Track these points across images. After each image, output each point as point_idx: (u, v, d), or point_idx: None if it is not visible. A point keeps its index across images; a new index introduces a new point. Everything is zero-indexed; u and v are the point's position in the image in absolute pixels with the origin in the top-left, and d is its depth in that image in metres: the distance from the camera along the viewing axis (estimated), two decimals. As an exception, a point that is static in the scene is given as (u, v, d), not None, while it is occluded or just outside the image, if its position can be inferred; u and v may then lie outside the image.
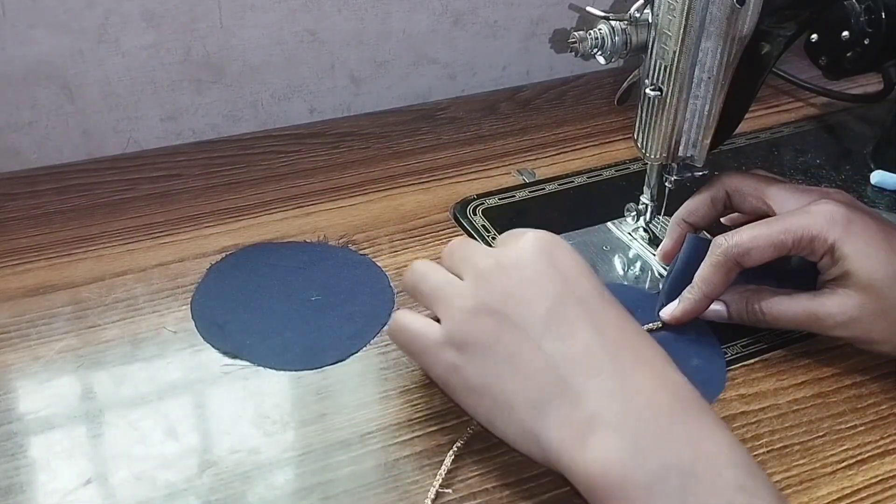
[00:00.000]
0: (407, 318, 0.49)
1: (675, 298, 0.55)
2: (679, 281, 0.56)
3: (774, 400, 0.52)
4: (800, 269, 0.55)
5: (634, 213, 0.64)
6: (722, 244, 0.53)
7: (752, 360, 0.55)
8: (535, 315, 0.45)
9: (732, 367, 0.54)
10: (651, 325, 0.56)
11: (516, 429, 0.44)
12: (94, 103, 0.72)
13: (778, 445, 0.49)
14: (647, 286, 0.61)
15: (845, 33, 0.72)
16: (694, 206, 0.59)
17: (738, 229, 0.53)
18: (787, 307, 0.53)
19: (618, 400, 0.42)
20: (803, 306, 0.53)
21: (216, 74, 0.75)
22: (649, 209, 0.63)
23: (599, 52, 0.56)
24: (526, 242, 0.47)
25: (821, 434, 0.50)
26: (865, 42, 0.71)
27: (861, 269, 0.51)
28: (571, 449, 0.42)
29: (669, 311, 0.56)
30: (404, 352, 0.50)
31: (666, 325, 0.56)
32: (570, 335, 0.44)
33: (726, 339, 0.56)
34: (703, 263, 0.54)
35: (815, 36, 0.74)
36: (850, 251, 0.51)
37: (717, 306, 0.55)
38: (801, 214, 0.53)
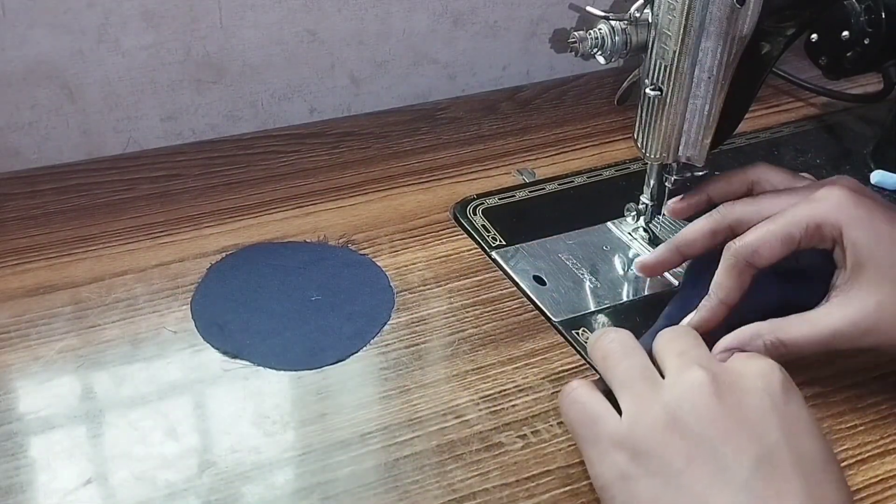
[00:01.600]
0: (587, 395, 0.44)
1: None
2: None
3: (774, 400, 0.52)
4: (810, 271, 0.54)
5: (634, 213, 0.64)
6: (731, 247, 0.52)
7: (752, 360, 0.55)
8: (742, 456, 0.39)
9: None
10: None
11: None
12: (94, 103, 0.72)
13: (778, 445, 0.49)
14: (646, 285, 0.61)
15: (845, 33, 0.72)
16: (692, 238, 0.55)
17: (746, 231, 0.52)
18: (808, 332, 0.49)
19: None
20: (823, 325, 0.49)
21: (216, 74, 0.75)
22: (649, 209, 0.63)
23: (599, 52, 0.56)
24: (757, 368, 0.42)
25: (821, 434, 0.50)
26: (865, 42, 0.71)
27: (872, 257, 0.48)
28: None
29: (687, 322, 0.54)
30: (570, 429, 0.45)
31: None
32: (778, 499, 0.38)
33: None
34: (717, 270, 0.52)
35: (815, 36, 0.74)
36: (858, 237, 0.49)
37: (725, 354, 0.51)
38: (805, 203, 0.51)
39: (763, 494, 0.38)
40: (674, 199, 0.59)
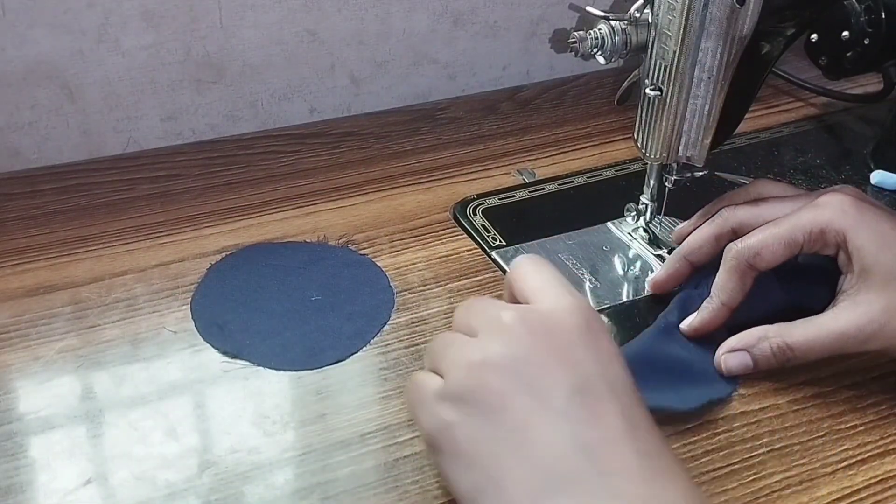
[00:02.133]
0: (418, 374, 0.43)
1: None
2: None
3: (774, 400, 0.52)
4: (812, 273, 0.54)
5: (634, 213, 0.64)
6: (733, 249, 0.52)
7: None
8: (559, 386, 0.39)
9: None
10: None
11: None
12: (94, 103, 0.72)
13: (778, 445, 0.49)
14: (646, 285, 0.61)
15: (845, 33, 0.72)
16: (697, 245, 0.56)
17: (749, 233, 0.52)
18: (815, 336, 0.50)
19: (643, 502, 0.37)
20: (829, 329, 0.50)
21: (216, 74, 0.75)
22: (649, 209, 0.63)
23: (599, 52, 0.56)
24: (562, 304, 0.41)
25: (821, 434, 0.50)
26: (865, 42, 0.71)
27: (878, 262, 0.49)
28: None
29: (688, 323, 0.54)
30: (408, 406, 0.45)
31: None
32: (598, 420, 0.38)
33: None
34: (718, 271, 0.53)
35: (815, 36, 0.74)
36: (863, 242, 0.49)
37: (740, 357, 0.52)
38: (809, 209, 0.51)
39: (582, 417, 0.38)
40: (652, 278, 0.59)
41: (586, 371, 0.39)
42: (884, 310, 0.49)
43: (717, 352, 0.53)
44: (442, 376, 0.41)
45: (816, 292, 0.53)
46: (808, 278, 0.54)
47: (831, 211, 0.50)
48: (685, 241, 0.57)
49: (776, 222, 0.52)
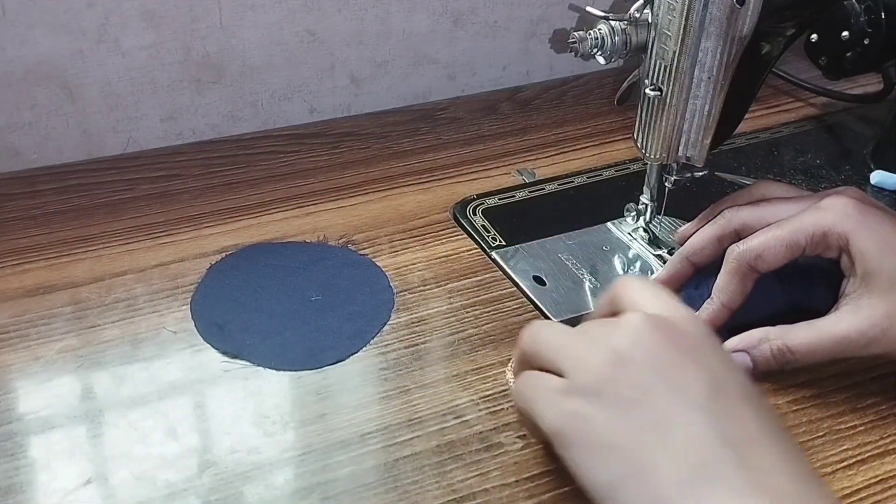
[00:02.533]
0: (529, 372, 0.44)
1: None
2: None
3: (774, 400, 0.52)
4: (813, 275, 0.54)
5: (634, 213, 0.64)
6: (734, 250, 0.52)
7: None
8: (698, 384, 0.39)
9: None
10: None
11: (648, 500, 0.38)
12: (94, 103, 0.72)
13: (778, 445, 0.49)
14: None
15: (845, 33, 0.71)
16: (700, 245, 0.55)
17: (752, 235, 0.52)
18: (817, 339, 0.50)
19: (792, 500, 0.37)
20: (832, 333, 0.50)
21: (216, 74, 0.75)
22: (649, 209, 0.63)
23: (599, 53, 0.56)
24: (683, 313, 0.43)
25: (821, 434, 0.50)
26: (865, 42, 0.71)
27: (881, 267, 0.49)
28: None
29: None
30: (521, 406, 0.44)
31: None
32: (738, 419, 0.39)
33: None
34: (720, 273, 0.53)
35: (815, 36, 0.74)
36: (866, 246, 0.49)
37: (740, 358, 0.51)
38: (812, 211, 0.51)
39: (723, 415, 0.39)
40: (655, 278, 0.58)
41: (720, 374, 0.40)
42: (886, 314, 0.49)
43: None
44: (560, 374, 0.42)
45: (818, 294, 0.53)
46: (809, 279, 0.54)
47: (834, 214, 0.50)
48: (687, 242, 0.56)
49: (779, 224, 0.52)
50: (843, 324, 0.50)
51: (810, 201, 0.53)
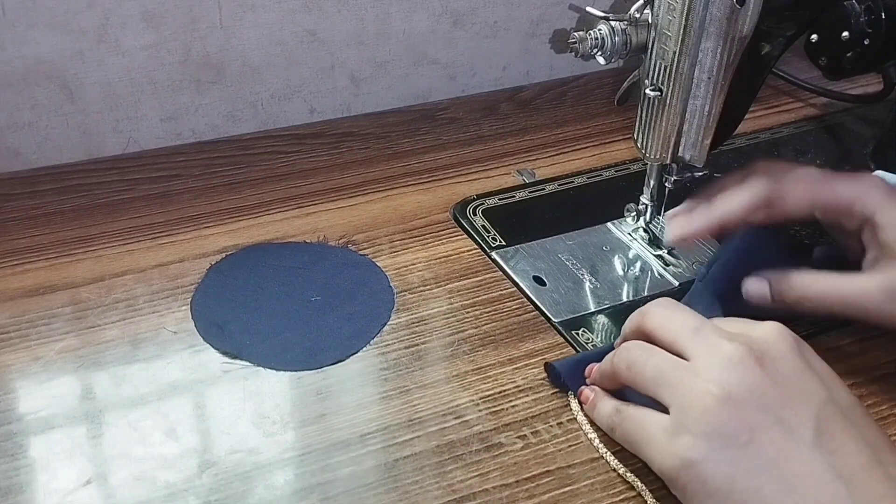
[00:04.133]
0: (635, 410, 0.45)
1: (714, 293, 0.53)
2: (728, 273, 0.54)
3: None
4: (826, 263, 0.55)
5: (634, 213, 0.64)
6: (762, 180, 0.53)
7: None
8: (804, 417, 0.40)
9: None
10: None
11: None
12: (94, 103, 0.72)
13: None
14: (646, 286, 0.61)
15: (845, 33, 0.71)
16: (733, 211, 0.54)
17: (784, 179, 0.54)
18: (834, 286, 0.51)
19: None
20: (849, 284, 0.51)
21: (216, 75, 0.75)
22: (649, 209, 0.63)
23: (599, 53, 0.56)
24: (772, 333, 0.43)
25: (821, 434, 0.50)
26: (865, 42, 0.71)
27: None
28: None
29: (676, 231, 0.55)
30: (626, 442, 0.46)
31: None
32: (842, 448, 0.40)
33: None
34: (739, 189, 0.54)
35: (815, 36, 0.74)
36: (888, 221, 0.50)
37: (759, 284, 0.52)
38: (843, 181, 0.53)
39: (831, 448, 0.40)
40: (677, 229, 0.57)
41: (821, 398, 0.41)
42: None
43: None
44: (666, 404, 0.43)
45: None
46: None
47: (863, 188, 0.52)
48: (723, 205, 0.55)
49: (811, 181, 0.53)
50: (860, 280, 0.51)
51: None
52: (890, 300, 0.50)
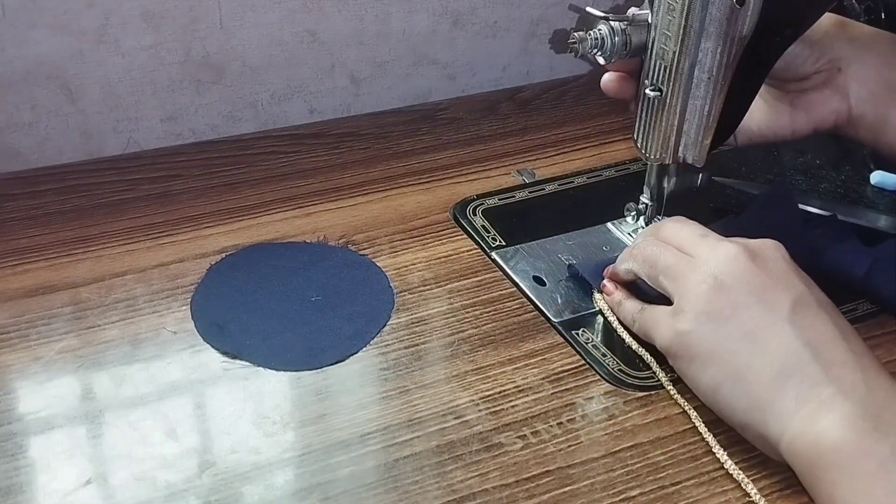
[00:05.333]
0: (650, 306, 0.53)
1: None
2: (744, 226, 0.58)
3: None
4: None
5: (634, 213, 0.64)
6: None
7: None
8: (782, 299, 0.48)
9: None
10: None
11: (744, 398, 0.47)
12: (94, 104, 0.72)
13: (778, 446, 0.49)
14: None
15: (845, 33, 0.71)
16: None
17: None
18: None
19: (861, 389, 0.45)
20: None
21: (216, 75, 0.75)
22: (649, 209, 0.63)
23: (599, 53, 0.56)
24: (768, 242, 0.51)
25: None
26: (865, 42, 0.71)
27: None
28: (807, 418, 0.44)
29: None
30: (642, 330, 0.53)
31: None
32: (815, 326, 0.47)
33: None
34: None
35: (814, 36, 0.74)
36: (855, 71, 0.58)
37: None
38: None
39: (803, 324, 0.47)
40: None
41: (800, 290, 0.48)
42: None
43: None
44: (667, 290, 0.51)
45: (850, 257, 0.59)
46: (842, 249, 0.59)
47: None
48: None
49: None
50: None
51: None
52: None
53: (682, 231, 0.53)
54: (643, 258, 0.54)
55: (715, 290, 0.48)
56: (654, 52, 0.55)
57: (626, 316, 0.55)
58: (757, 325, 0.47)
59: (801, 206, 0.64)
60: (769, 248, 0.50)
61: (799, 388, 0.45)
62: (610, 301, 0.57)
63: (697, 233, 0.53)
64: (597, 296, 0.58)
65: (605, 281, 0.57)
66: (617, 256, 0.57)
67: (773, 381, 0.46)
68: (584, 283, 0.59)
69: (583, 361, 0.55)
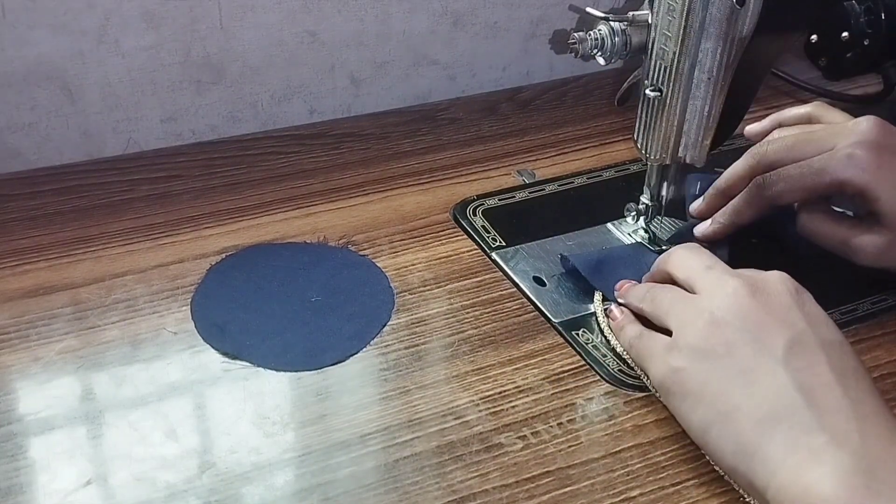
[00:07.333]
0: (645, 332, 0.52)
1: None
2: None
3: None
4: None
5: (634, 213, 0.64)
6: (758, 182, 0.57)
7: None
8: (778, 339, 0.45)
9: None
10: None
11: (732, 440, 0.45)
12: (94, 104, 0.72)
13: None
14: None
15: (845, 34, 0.72)
16: (733, 181, 0.59)
17: (778, 170, 0.57)
18: (829, 224, 0.57)
19: (855, 440, 0.42)
20: (841, 231, 0.56)
21: (216, 75, 0.75)
22: (649, 210, 0.63)
23: (599, 53, 0.56)
24: (774, 275, 0.49)
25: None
26: (865, 42, 0.71)
27: (893, 209, 0.53)
28: (796, 468, 0.42)
29: (701, 231, 0.60)
30: (636, 358, 0.52)
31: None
32: (811, 368, 0.44)
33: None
34: (737, 197, 0.58)
35: (814, 36, 0.75)
36: (881, 192, 0.53)
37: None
38: (832, 159, 0.55)
39: (798, 366, 0.45)
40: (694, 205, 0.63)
41: (799, 329, 0.46)
42: (889, 242, 0.54)
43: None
44: (670, 328, 0.50)
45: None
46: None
47: (851, 166, 0.54)
48: (721, 178, 0.60)
49: (800, 165, 0.56)
50: (851, 231, 0.56)
51: (834, 140, 0.55)
52: (882, 256, 0.55)
53: (689, 261, 0.52)
54: (650, 300, 0.53)
55: (711, 326, 0.47)
56: (654, 52, 0.55)
57: (624, 341, 0.54)
58: (749, 365, 0.45)
59: None
60: (773, 281, 0.48)
61: (788, 434, 0.43)
62: (613, 325, 0.56)
63: (705, 264, 0.51)
64: (597, 296, 0.58)
65: (612, 307, 0.56)
66: (610, 248, 0.60)
67: (760, 425, 0.44)
68: (583, 283, 0.59)
69: (583, 362, 0.55)
